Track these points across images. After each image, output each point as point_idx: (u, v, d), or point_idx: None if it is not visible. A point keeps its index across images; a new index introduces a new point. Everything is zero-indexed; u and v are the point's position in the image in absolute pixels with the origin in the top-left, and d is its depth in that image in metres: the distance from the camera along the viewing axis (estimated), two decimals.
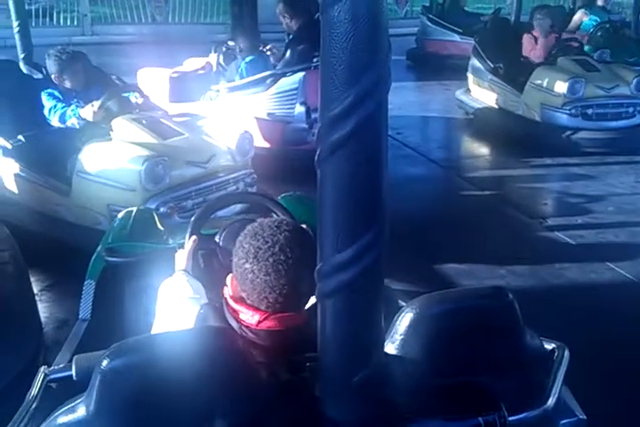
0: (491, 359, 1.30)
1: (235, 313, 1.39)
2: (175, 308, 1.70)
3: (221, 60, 5.92)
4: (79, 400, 1.23)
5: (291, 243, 1.34)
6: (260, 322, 1.35)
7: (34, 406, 1.55)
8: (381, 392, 1.17)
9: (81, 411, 1.21)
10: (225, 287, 1.46)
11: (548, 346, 1.47)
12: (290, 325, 1.36)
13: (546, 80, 5.97)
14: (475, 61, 6.95)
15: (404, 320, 1.27)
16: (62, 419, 1.23)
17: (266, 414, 1.22)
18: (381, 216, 1.08)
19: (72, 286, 3.31)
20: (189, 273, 1.93)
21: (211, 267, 2.12)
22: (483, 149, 6.43)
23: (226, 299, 1.44)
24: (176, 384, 1.17)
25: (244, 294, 1.37)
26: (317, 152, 1.07)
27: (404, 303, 2.28)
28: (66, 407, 1.25)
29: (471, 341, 1.28)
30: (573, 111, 5.80)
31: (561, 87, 5.83)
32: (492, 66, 6.65)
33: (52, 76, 4.32)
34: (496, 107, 6.59)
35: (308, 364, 1.31)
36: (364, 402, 1.16)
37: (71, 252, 3.68)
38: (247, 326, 1.36)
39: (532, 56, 6.39)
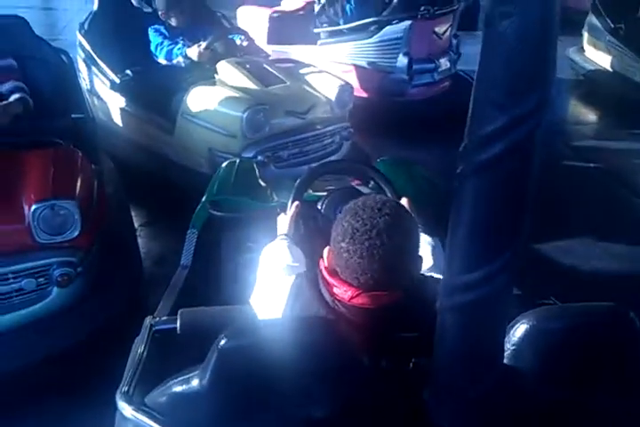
0: (606, 380, 1.28)
1: (329, 286, 1.42)
2: (274, 274, 1.74)
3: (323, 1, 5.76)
4: (193, 373, 1.30)
5: (389, 228, 1.33)
6: (352, 298, 1.37)
7: (143, 358, 1.65)
8: (495, 409, 1.18)
9: (195, 382, 1.28)
10: (321, 259, 1.48)
11: None
12: (382, 303, 1.37)
13: None
14: (593, 19, 6.50)
15: (517, 331, 1.26)
16: (177, 388, 1.32)
17: (367, 405, 1.26)
18: (519, 240, 1.05)
19: (170, 224, 3.45)
20: (291, 239, 1.96)
21: (311, 233, 2.16)
22: (591, 116, 6.09)
23: (321, 270, 1.46)
24: (284, 369, 1.22)
25: (338, 269, 1.39)
26: (460, 167, 1.05)
27: None
28: (181, 378, 1.33)
29: (587, 359, 1.26)
30: None
31: None
32: (611, 25, 6.20)
33: (160, 13, 4.35)
34: (611, 70, 6.18)
35: (413, 360, 1.33)
36: (478, 417, 1.18)
37: (171, 190, 3.82)
38: (340, 300, 1.39)
39: None
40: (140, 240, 3.56)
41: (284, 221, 2.06)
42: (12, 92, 3.28)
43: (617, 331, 1.30)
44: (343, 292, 1.38)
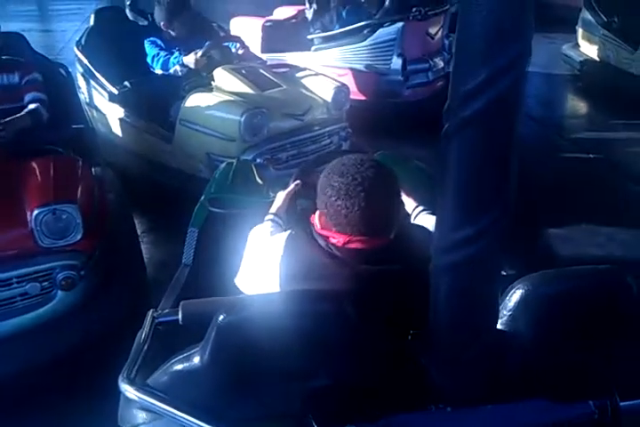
0: (602, 342, 1.27)
1: (323, 237, 1.51)
2: (260, 243, 1.73)
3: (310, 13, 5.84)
4: (194, 351, 1.31)
5: (377, 178, 1.46)
6: (346, 243, 1.47)
7: (145, 347, 1.65)
8: (490, 369, 1.18)
9: (196, 360, 1.29)
10: (313, 217, 1.56)
11: None
12: (373, 246, 1.46)
13: None
14: (586, 14, 6.56)
15: (514, 297, 1.25)
16: (178, 366, 1.33)
17: (369, 376, 1.26)
18: (506, 195, 1.06)
19: (172, 230, 3.46)
20: (279, 217, 1.96)
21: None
22: (589, 109, 6.10)
23: (314, 225, 1.55)
24: (285, 341, 1.22)
25: (334, 224, 1.47)
26: (445, 126, 1.06)
27: (503, 273, 2.27)
28: (181, 356, 1.33)
29: (583, 322, 1.25)
30: None
31: None
32: (605, 19, 6.25)
33: (161, 24, 4.37)
34: (606, 64, 6.21)
35: (411, 331, 1.34)
36: (474, 377, 1.18)
37: (172, 197, 3.82)
38: (334, 244, 1.48)
39: None
40: (142, 246, 3.57)
41: (279, 197, 2.06)
42: (30, 102, 3.38)
43: (614, 293, 1.29)
44: (338, 240, 1.47)
